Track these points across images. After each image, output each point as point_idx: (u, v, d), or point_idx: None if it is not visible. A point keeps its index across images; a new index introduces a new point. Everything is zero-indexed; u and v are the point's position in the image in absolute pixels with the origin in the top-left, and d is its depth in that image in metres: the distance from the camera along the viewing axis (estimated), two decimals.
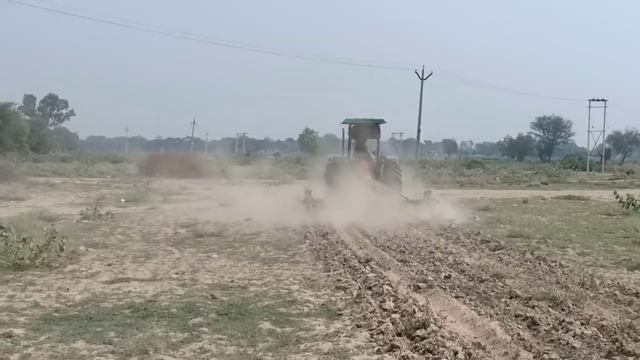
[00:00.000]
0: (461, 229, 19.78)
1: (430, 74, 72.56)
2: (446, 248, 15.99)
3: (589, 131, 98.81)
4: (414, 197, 25.52)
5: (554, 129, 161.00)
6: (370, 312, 9.54)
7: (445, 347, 7.71)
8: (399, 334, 8.59)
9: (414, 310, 9.37)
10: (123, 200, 29.34)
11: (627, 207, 26.04)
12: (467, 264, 13.68)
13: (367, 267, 13.13)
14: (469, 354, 7.63)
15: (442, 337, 8.16)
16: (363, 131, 27.27)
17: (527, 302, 10.20)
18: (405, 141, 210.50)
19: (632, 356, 7.68)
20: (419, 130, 69.06)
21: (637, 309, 9.95)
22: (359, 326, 9.00)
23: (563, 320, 9.12)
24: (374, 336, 8.56)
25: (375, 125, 27.35)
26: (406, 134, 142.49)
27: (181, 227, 19.84)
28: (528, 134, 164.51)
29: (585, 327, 8.85)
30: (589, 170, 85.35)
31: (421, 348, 7.90)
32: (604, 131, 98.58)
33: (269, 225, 20.68)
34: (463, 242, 17.02)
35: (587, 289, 11.35)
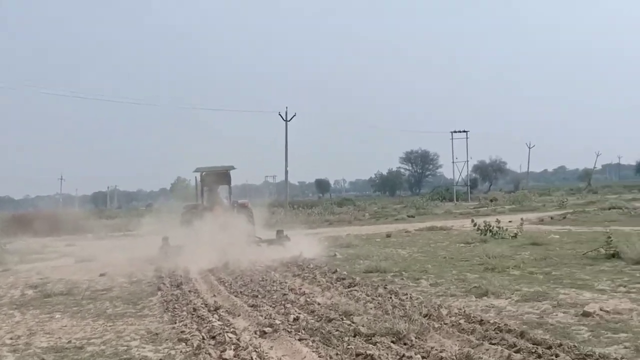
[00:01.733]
0: (319, 267, 19.59)
1: (294, 116, 72.96)
2: (300, 289, 15.75)
3: (453, 162, 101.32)
4: (267, 237, 26.68)
5: (421, 162, 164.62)
6: None
7: None
8: None
9: (251, 358, 9.06)
10: None
11: (484, 235, 26.53)
12: (319, 304, 13.48)
13: (215, 316, 12.80)
14: None
15: None
16: (214, 178, 28.36)
17: (370, 339, 10.04)
18: (279, 183, 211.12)
19: None
20: (286, 172, 69.22)
21: (479, 337, 9.91)
22: None
23: (403, 355, 9.00)
24: None
25: (225, 172, 28.46)
26: (280, 176, 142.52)
27: (30, 288, 18.88)
28: (397, 168, 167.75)
29: None
30: (456, 201, 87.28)
31: None
32: (467, 161, 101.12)
33: (124, 278, 20.10)
34: (319, 282, 16.81)
35: (434, 320, 11.32)
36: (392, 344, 9.65)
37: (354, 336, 10.30)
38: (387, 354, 9.11)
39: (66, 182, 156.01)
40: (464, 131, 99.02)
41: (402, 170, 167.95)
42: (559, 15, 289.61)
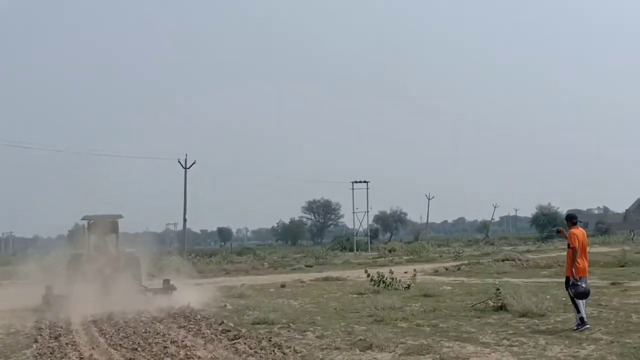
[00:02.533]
0: (206, 318, 19.14)
1: (194, 163, 72.42)
2: (183, 341, 15.24)
3: (353, 212, 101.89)
4: (154, 287, 26.67)
5: (324, 211, 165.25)
6: None
7: None
8: None
9: None
10: None
11: (377, 285, 26.48)
12: (199, 358, 13.01)
13: None
14: None
15: None
16: (102, 226, 27.54)
17: None
18: (180, 231, 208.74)
19: None
20: (184, 220, 68.56)
21: None
22: None
23: None
24: None
25: (113, 221, 27.82)
26: (181, 224, 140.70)
27: None
28: (300, 217, 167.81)
29: None
30: (357, 251, 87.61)
31: None
32: (367, 212, 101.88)
33: (1, 329, 19.16)
34: (203, 334, 16.34)
35: None
36: None
37: None
38: None
39: None
40: (365, 181, 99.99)
41: (304, 219, 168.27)
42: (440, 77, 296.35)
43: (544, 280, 28.77)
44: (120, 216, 28.16)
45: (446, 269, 39.07)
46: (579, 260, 15.07)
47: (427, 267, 43.34)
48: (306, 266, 51.44)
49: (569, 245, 15.14)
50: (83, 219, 28.24)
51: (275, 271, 48.19)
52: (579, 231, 15.39)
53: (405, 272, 37.10)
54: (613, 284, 25.11)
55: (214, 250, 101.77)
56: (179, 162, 72.20)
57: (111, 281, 24.79)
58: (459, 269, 38.56)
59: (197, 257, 70.48)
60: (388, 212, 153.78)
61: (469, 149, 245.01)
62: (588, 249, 16.29)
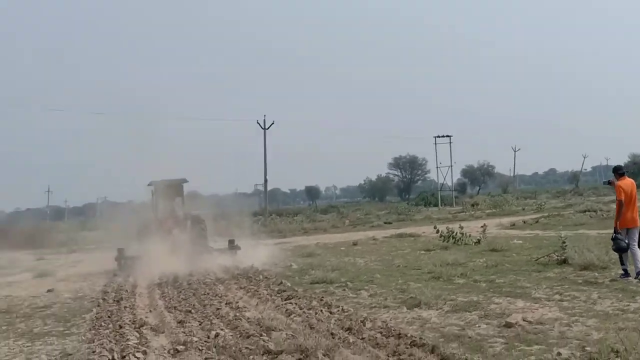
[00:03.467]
0: (268, 279, 19.29)
1: (272, 124, 72.61)
2: (237, 302, 15.36)
3: (437, 167, 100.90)
4: (219, 247, 27.36)
5: (410, 167, 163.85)
6: None
7: None
8: None
9: None
10: None
11: (446, 241, 26.20)
12: (248, 319, 13.07)
13: (136, 334, 12.37)
14: None
15: None
16: (167, 190, 28.78)
17: (276, 357, 9.66)
18: (269, 191, 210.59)
19: None
20: (265, 180, 68.92)
21: (388, 353, 9.57)
22: None
23: None
24: None
25: (178, 185, 29.10)
26: (270, 184, 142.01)
27: None
28: (386, 174, 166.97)
29: None
30: (441, 205, 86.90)
31: None
32: (451, 166, 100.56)
33: (69, 294, 19.73)
34: (260, 294, 16.43)
35: (353, 334, 10.99)
36: None
37: (262, 354, 9.92)
38: None
39: (53, 193, 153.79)
40: (447, 136, 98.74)
41: (390, 176, 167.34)
42: (557, 17, 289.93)
43: None
44: (185, 180, 29.12)
45: (524, 222, 38.46)
46: (626, 211, 15.08)
47: (507, 220, 42.77)
48: (385, 223, 51.37)
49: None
50: (149, 184, 29.12)
51: (354, 229, 48.27)
52: (625, 182, 15.39)
53: (482, 227, 36.76)
54: None
55: (300, 209, 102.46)
56: (257, 123, 72.50)
57: (178, 242, 25.63)
58: (537, 222, 37.90)
59: (281, 217, 71.04)
60: (475, 165, 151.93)
61: (558, 98, 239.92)
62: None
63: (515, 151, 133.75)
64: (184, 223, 27.89)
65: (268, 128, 72.40)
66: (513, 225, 37.09)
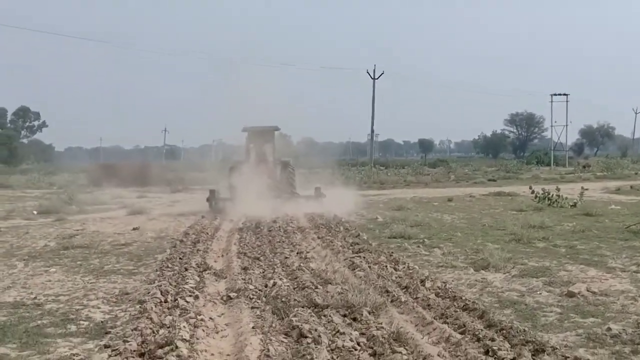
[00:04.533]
0: (348, 230, 19.11)
1: (382, 74, 71.75)
2: (308, 252, 15.26)
3: (551, 126, 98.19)
4: (306, 194, 27.76)
5: (527, 125, 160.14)
6: (137, 329, 8.76)
7: None
8: (142, 354, 7.87)
9: (190, 324, 8.75)
10: (35, 212, 28.32)
11: (540, 203, 25.43)
12: (312, 270, 12.92)
13: (197, 277, 12.40)
14: None
15: (179, 356, 7.48)
16: (260, 137, 29.61)
17: (321, 311, 9.47)
18: (382, 142, 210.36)
19: None
20: (372, 131, 68.33)
21: (435, 315, 9.28)
22: (106, 346, 8.26)
23: (338, 331, 8.44)
24: (110, 358, 7.83)
25: (270, 132, 29.97)
26: (383, 134, 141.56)
27: (59, 239, 18.88)
28: (502, 130, 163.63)
29: (351, 340, 8.13)
30: (554, 166, 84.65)
31: None
32: (566, 125, 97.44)
33: (153, 233, 20.06)
34: (333, 245, 16.26)
35: (409, 293, 10.73)
36: (338, 318, 9.07)
37: (309, 307, 9.74)
38: (324, 329, 8.54)
39: (170, 133, 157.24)
40: (564, 94, 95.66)
41: (506, 132, 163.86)
42: None
43: None
44: (277, 128, 30.32)
45: (631, 187, 36.99)
46: None
47: (615, 184, 41.30)
48: (489, 180, 50.41)
49: None
50: (243, 130, 29.87)
51: (456, 185, 47.58)
52: None
53: (586, 189, 35.56)
54: None
55: (409, 161, 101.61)
56: (367, 72, 71.79)
57: (267, 187, 26.38)
58: None
59: (388, 168, 70.64)
60: (595, 126, 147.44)
61: None
62: None
63: (636, 113, 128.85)
64: (274, 169, 28.74)
65: (377, 78, 71.64)
66: (618, 190, 35.75)
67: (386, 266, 13.15)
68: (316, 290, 10.89)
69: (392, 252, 14.86)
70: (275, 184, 27.78)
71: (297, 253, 15.25)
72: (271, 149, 29.81)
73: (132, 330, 8.71)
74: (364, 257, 14.30)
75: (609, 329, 8.35)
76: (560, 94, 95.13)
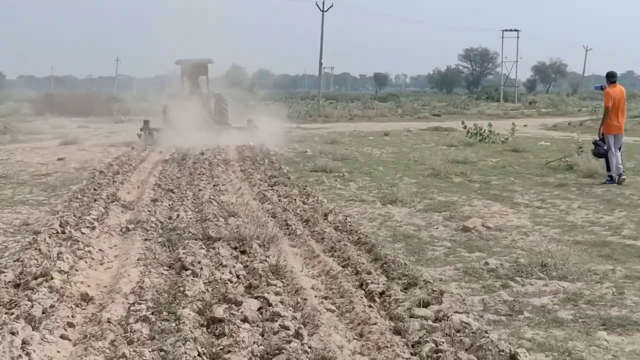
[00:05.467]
0: (272, 163, 19.11)
1: (331, 6, 70.72)
2: (224, 185, 15.24)
3: (502, 62, 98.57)
4: (239, 125, 27.86)
5: (481, 60, 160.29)
6: (19, 260, 8.67)
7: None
8: (17, 285, 7.81)
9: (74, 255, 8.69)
10: None
11: (472, 138, 25.59)
12: (221, 202, 12.85)
13: (102, 209, 12.29)
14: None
15: (51, 287, 7.43)
16: (193, 70, 29.96)
17: (212, 244, 9.46)
18: (337, 75, 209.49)
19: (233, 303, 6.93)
20: (320, 64, 67.42)
21: (324, 248, 9.33)
22: None
23: (221, 264, 8.45)
24: None
25: (203, 64, 30.38)
26: (338, 67, 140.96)
27: None
28: (456, 66, 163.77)
29: (231, 272, 8.15)
30: (503, 101, 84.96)
31: None
32: (516, 62, 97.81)
33: (77, 164, 19.96)
34: (252, 178, 16.24)
35: (309, 226, 10.77)
36: (226, 251, 9.07)
37: (201, 240, 9.71)
38: (209, 262, 8.54)
39: (122, 62, 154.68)
40: (515, 30, 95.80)
41: (460, 67, 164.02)
42: None
43: None
44: (210, 61, 30.57)
45: (569, 124, 37.29)
46: (612, 118, 15.36)
47: (556, 121, 41.69)
48: (434, 115, 50.57)
49: None
50: (177, 63, 30.36)
51: (400, 119, 47.65)
52: (615, 90, 15.55)
53: (525, 125, 35.97)
54: None
55: (360, 95, 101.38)
56: (316, 4, 70.81)
57: (200, 119, 26.46)
58: (581, 124, 36.59)
59: (338, 102, 70.38)
60: (547, 63, 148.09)
61: None
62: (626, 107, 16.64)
63: (587, 50, 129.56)
64: (207, 101, 28.97)
65: (327, 10, 70.66)
66: (555, 127, 36.10)
67: (295, 199, 13.16)
68: (217, 222, 10.86)
69: (306, 186, 14.84)
70: (209, 115, 28.04)
71: (214, 185, 15.20)
72: (205, 81, 30.39)
73: (14, 262, 8.62)
74: (277, 191, 14.31)
75: (487, 263, 8.45)
76: (511, 30, 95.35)
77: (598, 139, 15.53)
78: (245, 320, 6.38)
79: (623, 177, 15.13)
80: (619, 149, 15.42)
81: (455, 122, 38.34)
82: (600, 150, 15.30)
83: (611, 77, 15.75)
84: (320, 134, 31.13)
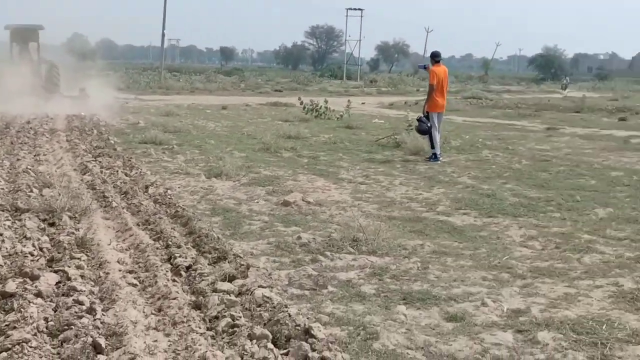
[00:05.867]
0: (101, 134, 18.58)
1: None
2: (45, 155, 14.65)
3: (346, 40, 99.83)
4: (70, 94, 27.34)
5: (327, 38, 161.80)
6: None
7: None
8: None
9: None
10: None
11: (308, 114, 25.74)
12: (38, 173, 12.32)
13: None
14: None
15: None
16: (23, 35, 29.41)
17: (19, 216, 9.03)
18: (184, 48, 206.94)
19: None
20: (163, 35, 65.72)
21: (141, 221, 9.06)
22: None
23: (25, 236, 8.06)
24: None
25: (34, 30, 29.82)
26: (185, 40, 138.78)
27: None
28: (302, 42, 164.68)
29: (33, 245, 7.79)
30: (345, 79, 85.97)
31: None
32: (359, 40, 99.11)
33: None
34: (76, 149, 15.72)
35: (127, 198, 10.47)
36: (33, 223, 8.67)
37: (9, 211, 9.25)
38: (13, 234, 8.15)
39: None
40: (359, 9, 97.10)
41: (306, 44, 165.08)
42: None
43: (487, 120, 28.00)
44: (41, 27, 30.05)
45: (405, 103, 38.06)
46: (436, 97, 15.81)
47: (393, 99, 42.56)
48: (275, 90, 50.63)
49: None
50: (6, 27, 29.49)
51: (243, 93, 47.47)
52: (439, 69, 15.98)
53: (363, 103, 36.54)
54: (549, 129, 24.23)
55: (204, 69, 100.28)
56: None
57: (29, 86, 25.87)
58: (416, 103, 37.41)
59: (181, 74, 69.50)
60: (391, 43, 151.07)
61: None
62: (448, 87, 17.22)
63: (427, 32, 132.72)
64: (38, 68, 28.26)
65: None
66: (391, 105, 36.83)
67: (118, 171, 12.80)
68: (29, 194, 10.40)
69: (132, 158, 14.50)
70: (38, 83, 27.28)
71: (35, 155, 14.59)
72: (35, 48, 29.73)
73: None
74: (100, 162, 13.90)
75: (299, 237, 8.45)
76: (355, 9, 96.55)
77: (423, 115, 15.86)
78: (38, 295, 6.09)
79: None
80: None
81: (295, 98, 38.62)
82: (424, 127, 15.60)
83: (435, 57, 16.17)
84: (157, 106, 30.47)
